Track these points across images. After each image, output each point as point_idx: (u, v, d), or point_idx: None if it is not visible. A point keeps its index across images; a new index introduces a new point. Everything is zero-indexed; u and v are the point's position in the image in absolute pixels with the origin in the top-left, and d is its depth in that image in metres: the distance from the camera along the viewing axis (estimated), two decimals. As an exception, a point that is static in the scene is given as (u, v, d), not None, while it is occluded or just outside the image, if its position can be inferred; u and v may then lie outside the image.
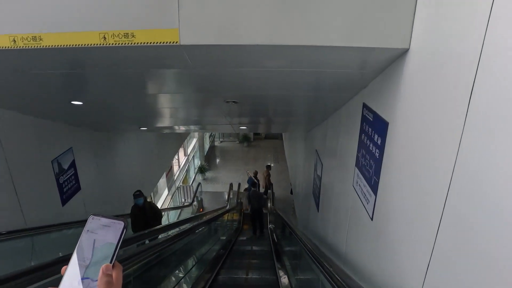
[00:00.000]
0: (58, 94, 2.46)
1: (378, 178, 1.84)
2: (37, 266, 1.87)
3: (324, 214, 3.57)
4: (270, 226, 10.52)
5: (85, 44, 1.54)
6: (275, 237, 8.86)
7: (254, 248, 8.12)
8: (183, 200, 12.03)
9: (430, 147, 1.26)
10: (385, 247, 1.71)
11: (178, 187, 11.93)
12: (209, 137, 17.71)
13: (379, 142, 1.84)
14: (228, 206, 11.06)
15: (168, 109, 3.14)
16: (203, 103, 2.86)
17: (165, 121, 3.91)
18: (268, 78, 1.98)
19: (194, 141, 15.57)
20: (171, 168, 11.03)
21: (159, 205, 9.99)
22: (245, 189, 11.65)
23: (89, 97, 2.63)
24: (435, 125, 1.23)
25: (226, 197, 11.62)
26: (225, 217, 9.84)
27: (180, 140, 10.84)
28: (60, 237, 3.82)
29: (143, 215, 4.78)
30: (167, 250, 4.00)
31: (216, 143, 20.14)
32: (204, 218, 7.02)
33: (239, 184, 12.30)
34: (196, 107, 3.05)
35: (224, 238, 8.34)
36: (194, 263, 5.24)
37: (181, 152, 13.52)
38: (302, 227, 6.20)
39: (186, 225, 5.63)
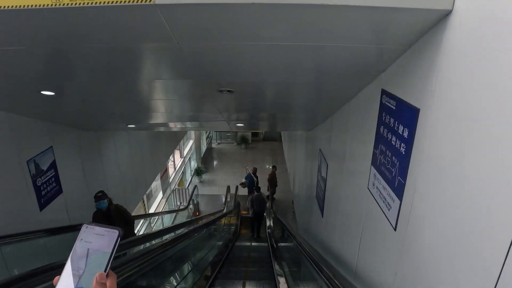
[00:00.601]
0: (21, 81, 2.10)
1: (404, 179, 1.49)
2: (27, 273, 1.78)
3: (329, 220, 3.21)
4: (268, 230, 10.16)
5: (32, 5, 1.19)
6: (273, 242, 8.49)
7: (252, 254, 7.74)
8: (178, 203, 11.62)
9: (488, 137, 0.91)
10: (415, 267, 1.35)
11: (173, 189, 11.52)
12: (206, 139, 17.34)
13: (405, 134, 1.49)
14: (225, 209, 10.67)
15: (155, 101, 2.78)
16: (194, 93, 2.50)
17: (153, 117, 3.55)
18: (266, 58, 1.62)
19: (191, 142, 15.19)
20: (166, 170, 10.64)
21: (152, 208, 9.59)
22: (241, 184, 11.30)
23: (59, 86, 2.27)
24: (493, 109, 0.89)
25: (223, 200, 11.23)
26: (222, 221, 9.47)
27: (175, 141, 10.47)
28: (36, 246, 3.44)
29: (107, 222, 4.22)
30: (158, 258, 3.68)
31: (214, 145, 19.75)
32: (199, 223, 6.65)
33: (237, 187, 11.91)
34: (186, 99, 2.70)
35: (221, 243, 7.96)
36: (187, 271, 4.86)
37: (177, 153, 13.14)
38: (303, 231, 5.84)
39: (179, 230, 5.27)
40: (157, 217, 9.20)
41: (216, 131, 19.80)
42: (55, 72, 1.94)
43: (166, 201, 10.69)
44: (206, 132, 17.12)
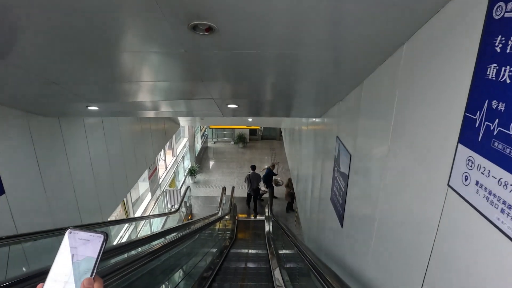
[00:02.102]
0: None
1: None
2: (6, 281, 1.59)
3: (355, 233, 2.31)
4: (267, 235, 9.25)
5: None
6: (273, 250, 7.58)
7: (249, 265, 6.83)
8: (169, 205, 10.69)
9: None
10: None
11: (163, 191, 10.59)
12: (201, 137, 16.41)
13: None
14: (220, 212, 9.74)
15: (110, 61, 1.88)
16: (153, 35, 1.61)
17: (115, 92, 2.63)
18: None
19: (184, 141, 14.27)
20: (155, 169, 9.72)
21: (139, 212, 8.65)
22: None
23: None
24: None
25: (218, 202, 10.31)
26: (216, 225, 8.55)
27: (164, 138, 9.54)
28: None
29: None
30: (135, 272, 2.88)
31: (209, 144, 18.84)
32: (188, 229, 5.74)
33: (233, 188, 11.00)
34: (157, 61, 1.81)
35: (214, 251, 7.04)
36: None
37: (168, 152, 12.20)
38: (311, 241, 4.93)
39: (163, 239, 4.38)
40: (143, 221, 8.26)
41: (213, 128, 18.88)
42: None
43: (155, 204, 9.74)
44: (201, 130, 16.20)
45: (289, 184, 10.54)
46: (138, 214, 8.61)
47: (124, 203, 6.78)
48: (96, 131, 5.17)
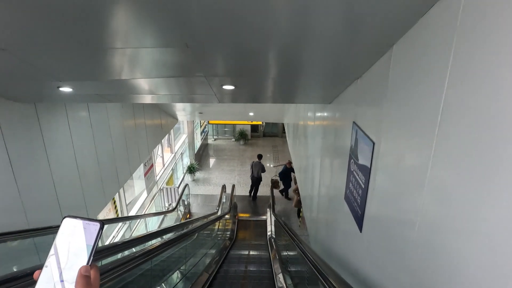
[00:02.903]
0: None
1: None
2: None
3: (380, 239, 1.83)
4: (269, 235, 8.79)
5: None
6: (276, 252, 7.12)
7: (250, 269, 6.36)
8: (166, 204, 10.24)
9: None
10: None
11: (160, 188, 10.14)
12: (201, 134, 15.95)
13: None
14: (219, 211, 9.28)
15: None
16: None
17: (82, 63, 2.14)
18: None
19: (184, 137, 13.80)
20: (151, 166, 9.26)
21: (134, 210, 8.20)
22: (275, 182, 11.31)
23: None
24: None
25: (218, 201, 9.85)
26: (216, 225, 8.10)
27: (161, 133, 9.08)
28: None
29: None
30: (126, 276, 2.57)
31: (210, 141, 18.38)
32: (183, 230, 5.29)
33: (233, 186, 10.54)
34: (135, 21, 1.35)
35: (212, 254, 6.59)
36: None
37: (167, 149, 11.75)
38: (318, 245, 4.45)
39: (156, 240, 3.93)
40: (138, 221, 7.81)
41: (214, 125, 18.41)
42: None
43: (151, 202, 9.29)
44: (201, 126, 15.74)
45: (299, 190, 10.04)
46: (133, 213, 8.16)
47: (115, 201, 6.32)
48: (81, 121, 4.71)
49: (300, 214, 9.42)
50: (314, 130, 4.47)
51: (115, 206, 6.35)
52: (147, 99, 3.23)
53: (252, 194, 11.61)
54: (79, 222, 0.65)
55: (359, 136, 2.24)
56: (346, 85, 2.54)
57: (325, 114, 3.57)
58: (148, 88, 2.75)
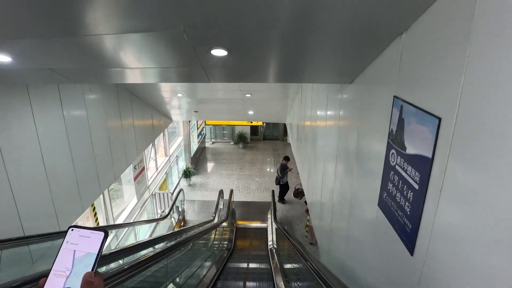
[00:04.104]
0: None
1: None
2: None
3: (455, 271, 1.11)
4: (270, 245, 8.03)
5: None
6: (278, 263, 6.37)
7: (249, 283, 5.61)
8: (159, 211, 9.49)
9: None
10: None
11: (152, 194, 9.39)
12: (198, 136, 15.23)
13: None
14: (216, 219, 8.53)
15: None
16: None
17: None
18: None
19: (179, 139, 13.09)
20: (143, 169, 8.53)
21: (122, 218, 7.45)
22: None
23: None
24: None
25: (215, 207, 9.10)
26: (212, 234, 7.36)
27: (152, 133, 8.38)
28: None
29: None
30: None
31: (207, 144, 17.65)
32: (173, 241, 4.57)
33: (231, 191, 9.79)
34: None
35: (205, 268, 5.84)
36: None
37: (160, 151, 11.04)
38: (326, 259, 3.72)
39: (139, 254, 3.25)
40: (126, 229, 7.06)
41: (212, 128, 17.70)
42: None
43: (141, 208, 8.55)
44: (197, 128, 15.03)
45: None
46: (120, 220, 7.42)
47: (94, 208, 5.58)
48: (51, 116, 4.00)
49: (307, 223, 8.69)
50: (327, 130, 3.76)
51: (95, 214, 5.60)
52: (117, 76, 2.54)
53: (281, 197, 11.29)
54: (84, 232, 0.69)
55: (408, 114, 1.54)
56: (380, 48, 1.84)
57: (344, 98, 2.87)
58: (113, 56, 2.05)
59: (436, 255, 1.29)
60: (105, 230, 0.70)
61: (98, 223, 5.67)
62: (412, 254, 1.48)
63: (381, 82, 1.93)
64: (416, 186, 1.43)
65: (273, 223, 7.99)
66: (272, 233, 8.29)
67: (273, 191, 10.06)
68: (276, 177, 11.27)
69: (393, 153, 1.70)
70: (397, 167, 1.64)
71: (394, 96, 1.69)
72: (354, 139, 2.51)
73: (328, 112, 3.64)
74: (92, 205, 5.52)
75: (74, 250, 0.67)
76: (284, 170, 10.70)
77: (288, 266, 5.97)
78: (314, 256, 3.64)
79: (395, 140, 1.67)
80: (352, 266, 2.58)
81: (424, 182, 1.36)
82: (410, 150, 1.50)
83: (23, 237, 3.20)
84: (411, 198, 1.49)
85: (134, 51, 1.91)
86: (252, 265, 7.01)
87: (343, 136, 2.90)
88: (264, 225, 9.45)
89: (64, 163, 4.30)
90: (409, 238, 1.50)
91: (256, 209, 10.57)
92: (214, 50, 1.86)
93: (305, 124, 5.73)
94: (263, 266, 6.88)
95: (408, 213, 1.51)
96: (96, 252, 0.67)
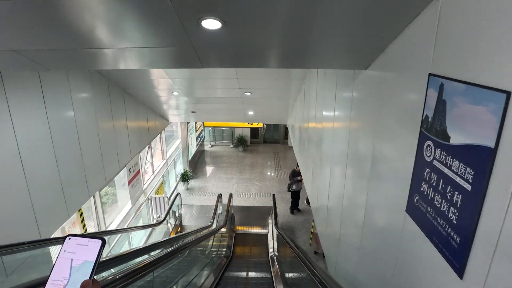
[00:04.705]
0: None
1: None
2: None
3: None
4: (271, 253, 7.64)
5: None
6: (280, 273, 6.00)
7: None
8: (155, 216, 9.11)
9: None
10: None
11: (148, 198, 9.02)
12: (197, 139, 14.88)
13: None
14: (214, 225, 8.15)
15: None
16: None
17: None
18: None
19: (177, 142, 12.74)
20: (138, 172, 8.17)
21: (115, 223, 7.07)
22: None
23: None
24: None
25: (213, 212, 8.71)
26: (209, 241, 6.98)
27: (147, 135, 8.04)
28: None
29: None
30: None
31: (206, 147, 17.29)
32: (168, 248, 4.21)
33: (231, 195, 9.42)
34: None
35: (203, 274, 5.46)
36: None
37: (157, 154, 10.68)
38: (335, 273, 3.35)
39: (130, 264, 2.91)
40: (119, 236, 6.67)
41: (211, 131, 17.36)
42: None
43: (136, 214, 8.17)
44: (196, 131, 14.68)
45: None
46: (113, 226, 7.04)
47: (82, 214, 5.21)
48: (31, 111, 3.66)
49: (312, 230, 8.32)
50: (335, 129, 3.41)
51: (82, 219, 5.23)
52: (93, 60, 2.19)
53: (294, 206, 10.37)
54: (81, 240, 0.70)
55: (452, 94, 1.19)
56: (408, 17, 1.50)
57: (357, 90, 2.52)
58: (83, 31, 1.70)
59: (504, 280, 0.94)
60: (103, 238, 0.69)
61: (86, 230, 5.29)
62: (461, 277, 1.12)
63: (410, 59, 1.58)
64: (468, 187, 1.08)
65: (274, 229, 7.61)
66: (273, 239, 7.91)
67: (273, 195, 9.67)
68: (288, 184, 10.27)
69: (429, 145, 1.35)
70: (435, 162, 1.30)
71: (430, 74, 1.35)
72: (370, 135, 2.16)
73: (337, 110, 3.28)
74: (79, 211, 5.16)
75: (72, 259, 0.67)
76: (294, 176, 9.66)
77: (290, 275, 5.60)
78: (319, 265, 3.28)
79: (432, 129, 1.32)
80: (367, 282, 2.22)
81: (481, 180, 1.02)
82: (457, 139, 1.15)
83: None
84: (459, 202, 1.14)
85: (108, 24, 1.57)
86: (251, 274, 6.62)
87: (355, 134, 2.55)
88: (264, 231, 9.06)
89: (47, 166, 3.94)
90: (457, 255, 1.15)
91: (256, 214, 10.17)
92: (205, 20, 1.52)
93: (309, 125, 5.38)
94: (263, 275, 6.50)
95: (455, 221, 1.16)
96: (94, 260, 0.67)
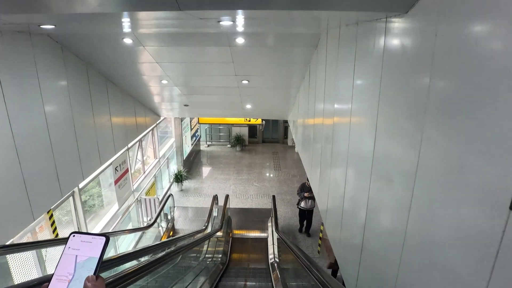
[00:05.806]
0: None
1: None
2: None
3: None
4: (271, 259, 6.99)
5: None
6: (281, 282, 5.36)
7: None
8: (145, 219, 8.44)
9: None
10: None
11: (138, 199, 8.35)
12: (192, 138, 14.21)
13: None
14: (209, 228, 7.49)
15: None
16: None
17: None
18: None
19: (171, 141, 12.08)
20: (126, 171, 7.50)
21: (98, 227, 6.39)
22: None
23: None
24: None
25: (207, 215, 8.05)
26: (204, 246, 6.33)
27: (135, 131, 7.39)
28: None
29: None
30: None
31: (202, 147, 16.63)
32: (160, 252, 3.59)
33: (227, 196, 8.76)
34: None
35: (198, 282, 4.82)
36: None
37: (149, 152, 10.02)
38: (353, 283, 2.70)
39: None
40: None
41: (207, 130, 16.70)
42: None
43: (123, 216, 7.50)
44: (191, 129, 14.02)
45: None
46: (97, 229, 6.37)
47: (52, 216, 4.53)
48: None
49: (320, 235, 7.65)
50: (353, 123, 2.76)
51: (53, 222, 4.54)
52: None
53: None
54: (85, 237, 0.70)
55: None
56: None
57: (391, 48, 1.89)
58: None
59: None
60: (107, 235, 0.71)
61: (57, 234, 4.61)
62: None
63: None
64: None
65: (275, 232, 6.96)
66: (273, 244, 7.27)
67: (273, 196, 9.01)
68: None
69: None
70: None
71: None
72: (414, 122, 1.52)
73: (354, 100, 2.61)
74: (49, 212, 4.48)
75: (76, 255, 0.68)
76: (302, 191, 8.24)
77: (293, 283, 4.97)
78: (327, 273, 2.65)
79: None
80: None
81: None
82: None
83: None
84: None
85: None
86: (250, 283, 5.96)
87: (385, 127, 1.91)
88: (263, 234, 8.41)
89: (5, 162, 3.28)
90: None
91: (254, 217, 9.51)
92: None
93: (315, 120, 4.72)
94: (262, 283, 5.86)
95: None
96: (98, 256, 0.68)
